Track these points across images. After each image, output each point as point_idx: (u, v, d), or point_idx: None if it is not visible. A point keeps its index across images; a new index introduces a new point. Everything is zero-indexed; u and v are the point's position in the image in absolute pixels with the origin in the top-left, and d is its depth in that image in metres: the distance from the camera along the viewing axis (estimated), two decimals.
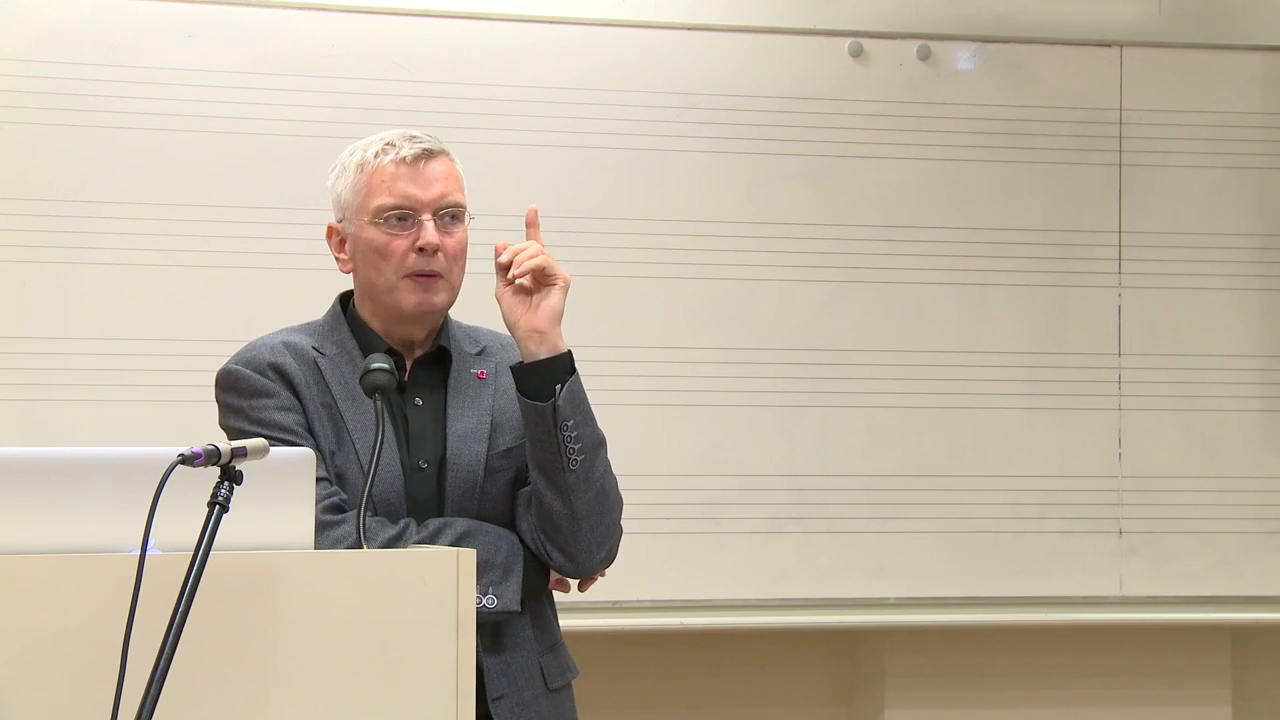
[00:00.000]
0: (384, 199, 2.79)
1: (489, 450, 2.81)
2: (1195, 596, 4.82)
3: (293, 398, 2.76)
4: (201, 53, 4.35)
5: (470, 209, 2.85)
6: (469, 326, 2.95)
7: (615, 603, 4.50)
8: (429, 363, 2.86)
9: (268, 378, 2.77)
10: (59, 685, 2.17)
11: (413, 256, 2.78)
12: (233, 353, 2.85)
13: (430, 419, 2.82)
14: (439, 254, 2.78)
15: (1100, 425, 4.79)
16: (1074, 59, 4.82)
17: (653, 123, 4.59)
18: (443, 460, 2.80)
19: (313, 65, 4.41)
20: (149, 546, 2.09)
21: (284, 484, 2.32)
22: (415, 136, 2.82)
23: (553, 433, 2.73)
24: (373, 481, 2.61)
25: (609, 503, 2.83)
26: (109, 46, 4.31)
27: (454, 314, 2.90)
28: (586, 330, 4.45)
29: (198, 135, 4.33)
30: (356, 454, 2.74)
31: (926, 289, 4.73)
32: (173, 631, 2.06)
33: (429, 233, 2.77)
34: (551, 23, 4.55)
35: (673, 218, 4.60)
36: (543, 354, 2.75)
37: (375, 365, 2.70)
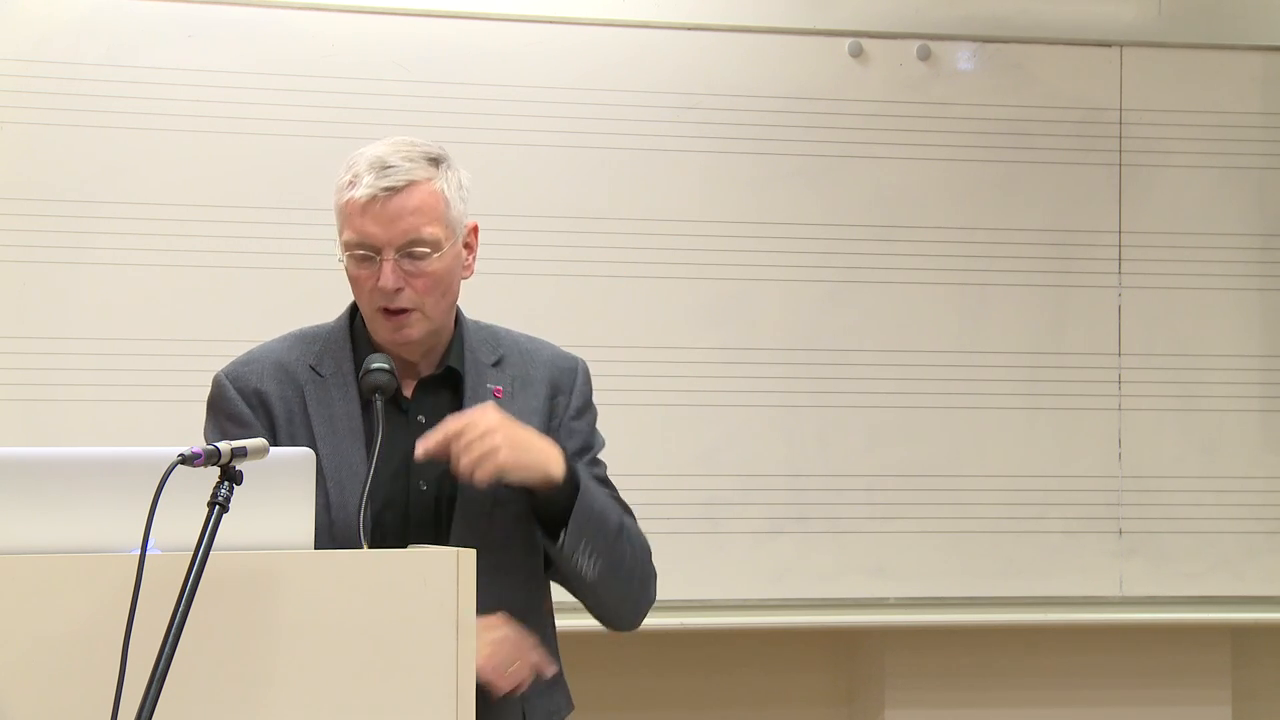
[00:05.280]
0: (349, 234, 2.71)
1: (499, 479, 2.71)
2: (1195, 596, 4.81)
3: (268, 433, 2.69)
4: (201, 53, 4.35)
5: (456, 229, 2.74)
6: (489, 329, 2.87)
7: None
8: (437, 381, 2.80)
9: (250, 404, 2.73)
10: (59, 685, 2.17)
11: (379, 292, 2.71)
12: (238, 353, 2.82)
13: None
14: (405, 291, 2.70)
15: (1100, 425, 4.79)
16: (1074, 59, 4.82)
17: (653, 123, 4.58)
18: (442, 479, 2.72)
19: (313, 65, 4.40)
20: (149, 546, 2.09)
21: (284, 484, 2.32)
22: (388, 167, 2.70)
23: (565, 560, 2.72)
24: (372, 480, 2.59)
25: (637, 578, 2.83)
26: (109, 46, 4.31)
27: (472, 311, 2.85)
28: (587, 330, 4.47)
29: (198, 135, 4.33)
30: (327, 497, 2.66)
31: (926, 289, 4.73)
32: (173, 631, 2.06)
33: (385, 275, 2.68)
34: (551, 23, 4.55)
35: (673, 218, 4.60)
36: (534, 482, 2.66)
37: (375, 365, 2.69)
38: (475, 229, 2.80)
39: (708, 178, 4.63)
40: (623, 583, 2.81)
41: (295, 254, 4.27)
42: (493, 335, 2.87)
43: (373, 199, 2.68)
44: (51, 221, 4.26)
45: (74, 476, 2.24)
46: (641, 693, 4.76)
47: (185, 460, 2.11)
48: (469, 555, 2.35)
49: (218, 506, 2.13)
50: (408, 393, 2.79)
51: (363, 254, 2.71)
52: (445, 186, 2.74)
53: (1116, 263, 4.82)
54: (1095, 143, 4.81)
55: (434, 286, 2.72)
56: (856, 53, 4.71)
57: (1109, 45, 4.84)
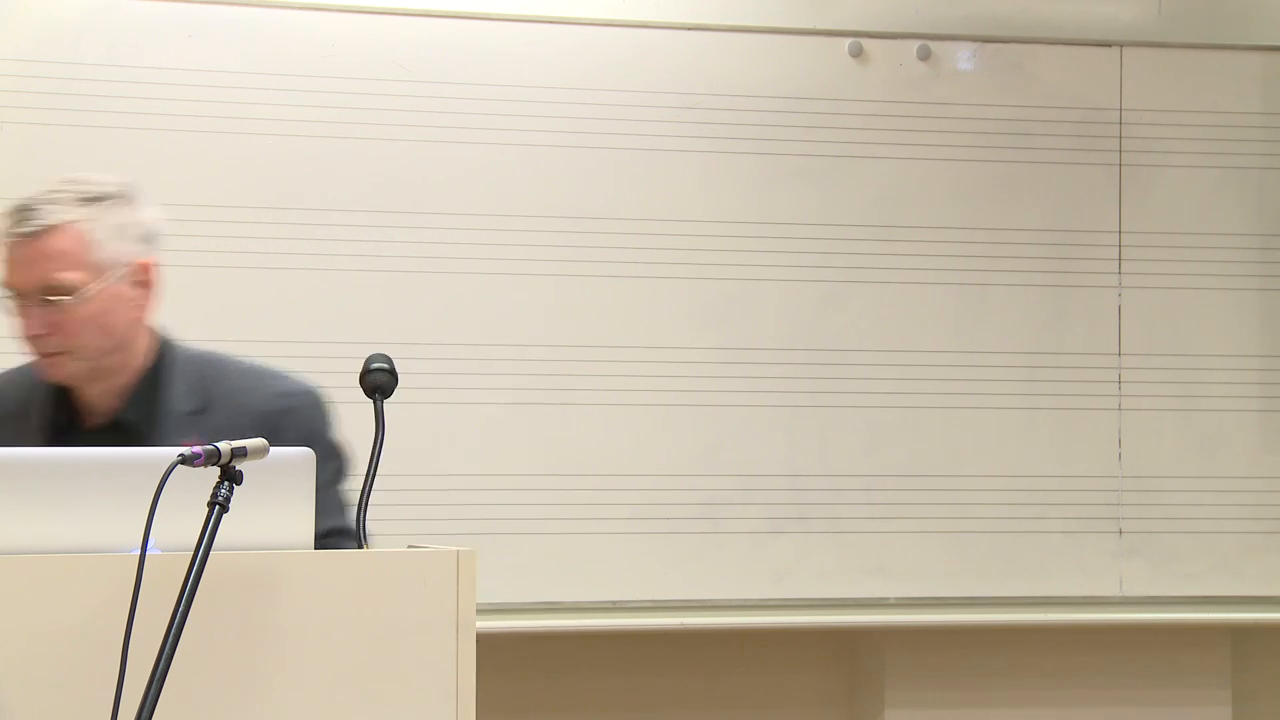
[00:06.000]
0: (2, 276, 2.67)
1: None
2: (1195, 596, 4.81)
3: None
4: (201, 53, 4.35)
5: (106, 271, 2.64)
6: (214, 365, 2.75)
7: (615, 603, 4.50)
8: (119, 425, 2.68)
9: None
10: (59, 685, 2.17)
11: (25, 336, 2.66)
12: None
13: None
14: (52, 336, 2.63)
15: (1100, 425, 4.79)
16: (1074, 59, 4.82)
17: (653, 123, 4.59)
18: None
19: (313, 65, 4.41)
20: (149, 546, 2.09)
21: (284, 484, 2.32)
22: (28, 210, 2.63)
23: None
24: (372, 483, 2.58)
25: None
26: (109, 46, 4.31)
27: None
28: (587, 330, 4.47)
29: (198, 135, 4.33)
30: None
31: (926, 289, 4.73)
32: (173, 631, 2.06)
33: (26, 322, 2.64)
34: (551, 23, 4.55)
35: (673, 218, 4.60)
36: None
37: (376, 365, 2.67)
38: (146, 267, 2.70)
39: (708, 178, 4.63)
40: None
41: (295, 254, 4.27)
42: (215, 372, 2.74)
43: (8, 244, 2.64)
44: None
45: (74, 476, 2.24)
46: (642, 693, 4.76)
47: (185, 460, 2.11)
48: (469, 555, 2.35)
49: (218, 506, 2.13)
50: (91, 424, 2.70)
51: (9, 296, 2.66)
52: (94, 228, 2.65)
53: (1116, 263, 4.82)
54: (1095, 143, 4.81)
55: (82, 330, 2.64)
56: (856, 53, 4.71)
57: (1109, 45, 4.84)
